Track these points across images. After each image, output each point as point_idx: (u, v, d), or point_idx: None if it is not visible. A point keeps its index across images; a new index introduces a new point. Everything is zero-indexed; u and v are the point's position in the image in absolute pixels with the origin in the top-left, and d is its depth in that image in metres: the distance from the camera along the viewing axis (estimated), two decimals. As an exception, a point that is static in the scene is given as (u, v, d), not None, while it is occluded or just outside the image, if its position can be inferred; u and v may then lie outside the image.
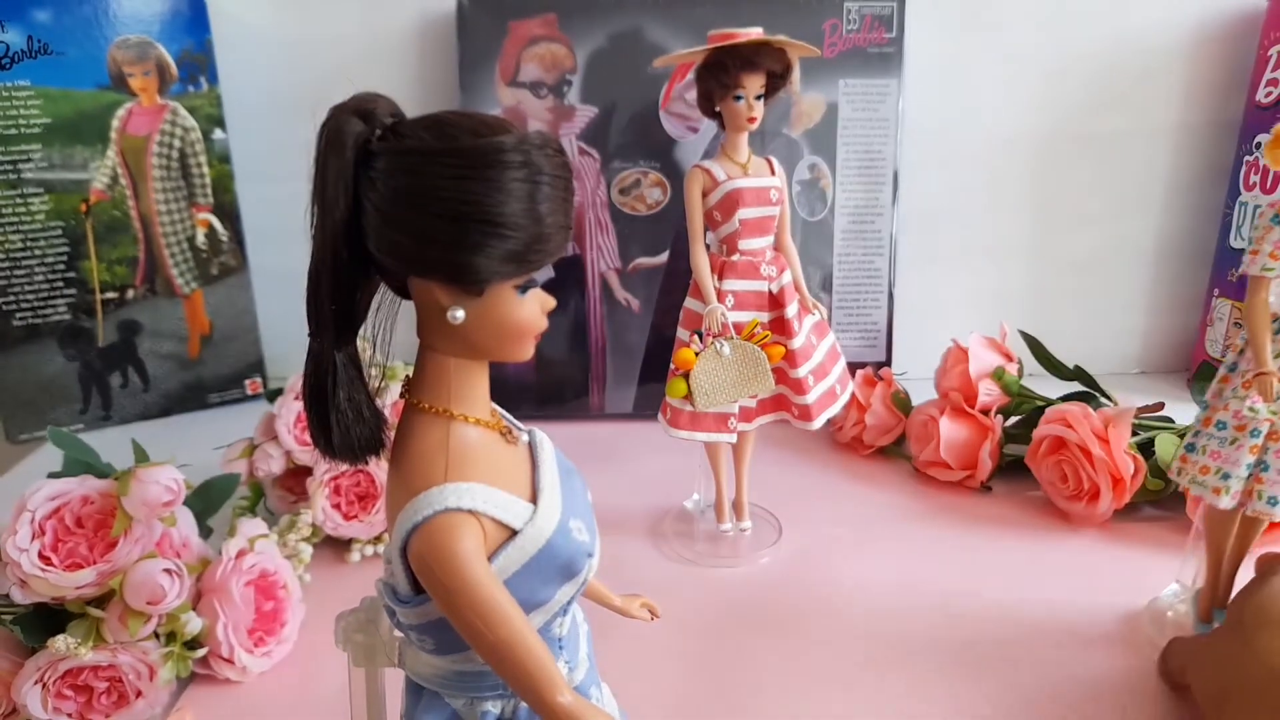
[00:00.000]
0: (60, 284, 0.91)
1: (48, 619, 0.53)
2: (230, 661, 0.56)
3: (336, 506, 0.68)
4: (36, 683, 0.51)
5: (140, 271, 0.94)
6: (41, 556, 0.53)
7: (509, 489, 0.30)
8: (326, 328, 0.30)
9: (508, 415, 0.35)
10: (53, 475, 0.58)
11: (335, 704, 0.55)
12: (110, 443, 0.69)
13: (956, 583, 0.65)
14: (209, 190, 0.96)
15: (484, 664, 0.29)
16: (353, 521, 0.68)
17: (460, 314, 0.29)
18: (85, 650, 0.51)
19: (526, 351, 0.31)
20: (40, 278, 0.90)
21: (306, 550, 0.66)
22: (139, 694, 0.53)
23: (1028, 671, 0.56)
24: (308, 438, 0.70)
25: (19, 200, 0.87)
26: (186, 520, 0.59)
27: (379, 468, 0.68)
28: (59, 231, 0.90)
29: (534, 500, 0.31)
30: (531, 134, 0.28)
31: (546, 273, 0.94)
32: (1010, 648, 0.59)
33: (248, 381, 1.02)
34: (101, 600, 0.54)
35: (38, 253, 0.89)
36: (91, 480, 0.56)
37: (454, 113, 0.28)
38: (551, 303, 0.31)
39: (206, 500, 0.66)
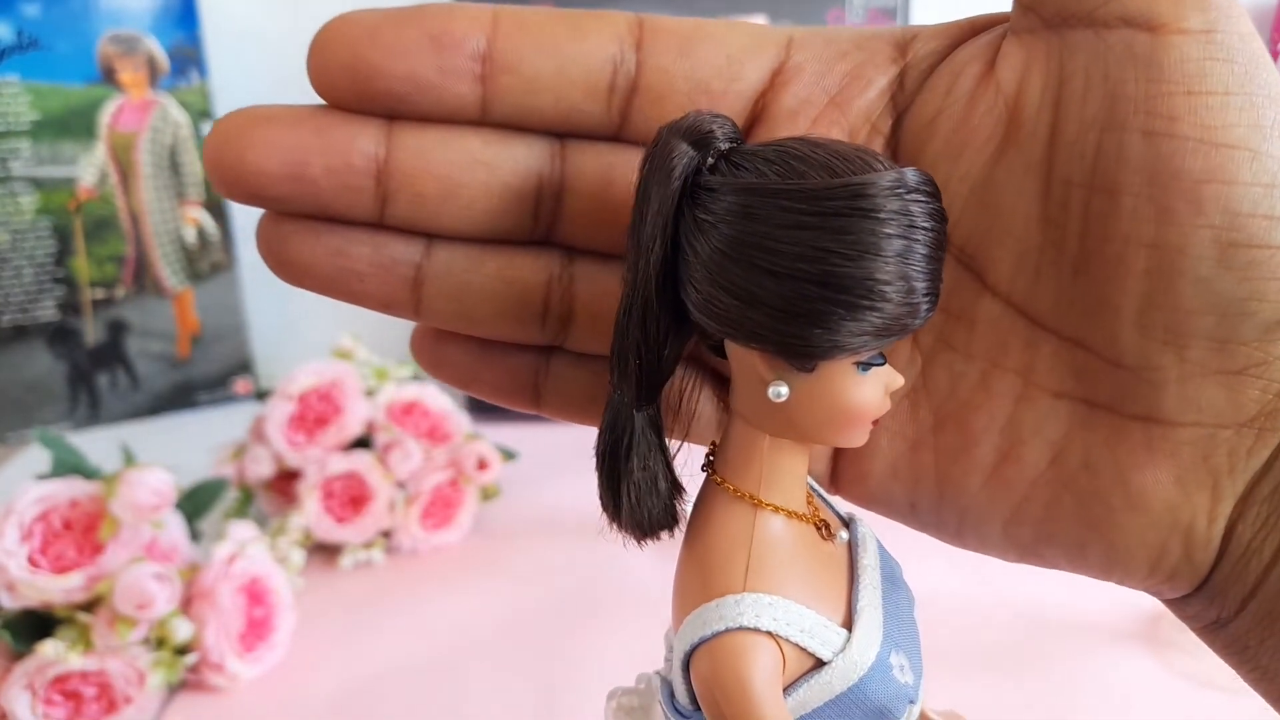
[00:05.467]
0: (49, 282, 0.90)
1: (36, 624, 0.53)
2: (220, 668, 0.55)
3: (329, 510, 0.68)
4: (25, 688, 0.51)
5: (129, 269, 0.93)
6: (30, 560, 0.52)
7: (819, 604, 0.25)
8: (629, 382, 0.25)
9: (827, 499, 0.29)
10: (41, 477, 0.58)
11: (326, 713, 0.55)
12: (98, 443, 0.68)
13: (969, 583, 0.64)
14: (201, 186, 0.95)
15: None
16: (345, 526, 0.67)
17: (784, 391, 0.23)
18: (74, 656, 0.51)
19: (860, 438, 0.24)
20: (29, 276, 0.89)
21: (298, 555, 0.65)
22: (128, 700, 0.52)
23: (1044, 672, 0.56)
24: (298, 439, 0.70)
25: (7, 197, 0.86)
26: (175, 524, 0.59)
27: (379, 474, 0.67)
28: (48, 229, 0.88)
29: (849, 623, 0.25)
30: (908, 173, 0.22)
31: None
32: (1026, 648, 0.58)
33: (237, 381, 1.00)
34: (90, 605, 0.53)
35: (26, 250, 0.88)
36: (79, 483, 0.56)
37: (804, 141, 0.23)
38: (899, 381, 0.25)
39: (195, 504, 0.65)
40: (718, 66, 0.26)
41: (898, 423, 0.27)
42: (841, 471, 0.29)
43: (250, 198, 0.25)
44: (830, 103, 0.26)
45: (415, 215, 0.26)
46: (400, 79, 0.24)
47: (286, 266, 0.26)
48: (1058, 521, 0.25)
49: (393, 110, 0.25)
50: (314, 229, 0.26)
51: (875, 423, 0.25)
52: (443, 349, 0.29)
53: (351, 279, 0.26)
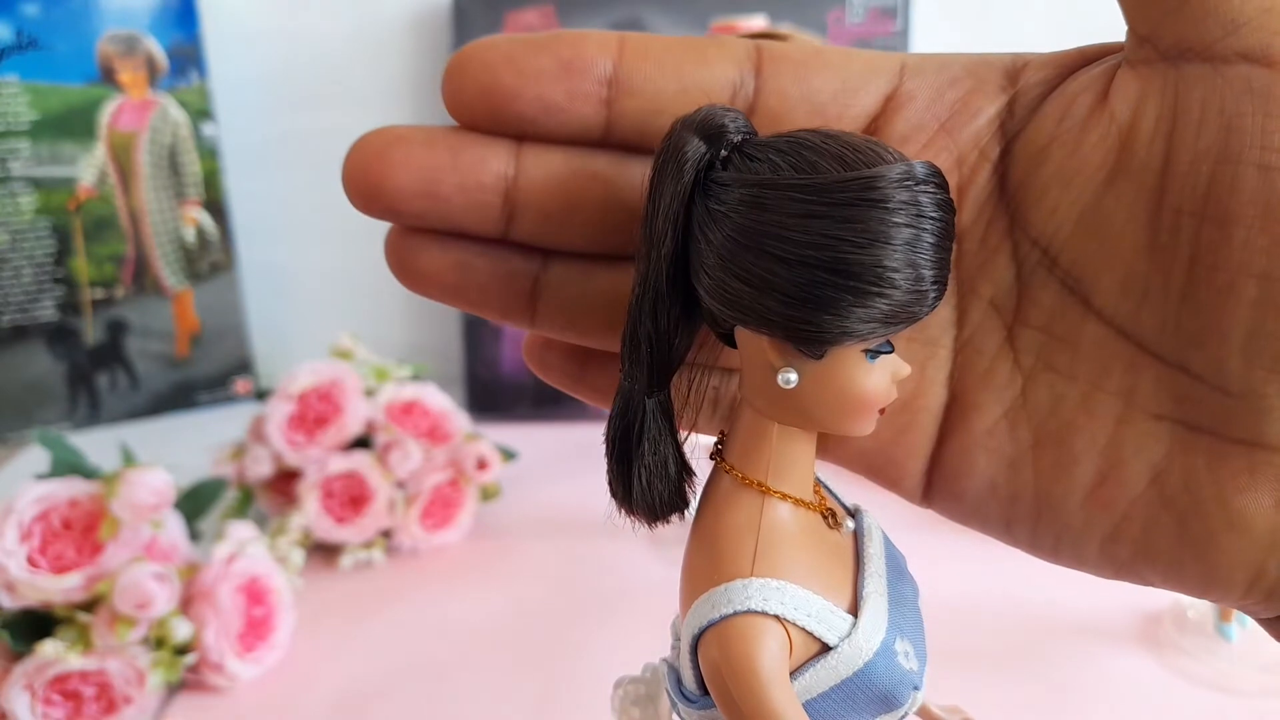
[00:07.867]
0: (49, 282, 0.90)
1: (35, 624, 0.53)
2: (219, 668, 0.55)
3: (329, 510, 0.68)
4: (24, 688, 0.51)
5: (129, 269, 0.93)
6: (29, 560, 0.52)
7: (826, 590, 0.25)
8: (640, 370, 0.25)
9: (833, 491, 0.30)
10: (40, 477, 0.58)
11: (325, 713, 0.55)
12: (98, 443, 0.68)
13: (968, 583, 0.64)
14: (200, 185, 0.95)
15: None
16: (345, 526, 0.68)
17: (793, 378, 0.24)
18: (74, 656, 0.51)
19: (867, 427, 0.25)
20: (28, 276, 0.89)
21: (297, 555, 0.65)
22: (128, 700, 0.52)
23: (1044, 672, 0.56)
24: (298, 439, 0.70)
25: (7, 197, 0.86)
26: (175, 524, 0.59)
27: (379, 474, 0.67)
28: (47, 229, 0.88)
29: (855, 609, 0.26)
30: (916, 165, 0.22)
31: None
32: (1026, 648, 0.58)
33: (237, 381, 1.00)
34: (90, 605, 0.53)
35: (26, 250, 0.88)
36: (78, 483, 0.56)
37: (815, 133, 0.23)
38: (906, 370, 0.25)
39: (195, 503, 0.65)
40: (834, 91, 0.27)
41: (996, 441, 0.27)
42: (936, 488, 0.29)
43: (385, 213, 0.26)
44: (940, 129, 0.27)
45: (538, 232, 0.27)
46: (531, 102, 0.25)
47: (413, 277, 0.27)
48: (1157, 541, 0.26)
49: (521, 132, 0.26)
50: (441, 242, 0.27)
51: (882, 411, 0.25)
52: (551, 354, 0.30)
53: (473, 290, 0.27)
